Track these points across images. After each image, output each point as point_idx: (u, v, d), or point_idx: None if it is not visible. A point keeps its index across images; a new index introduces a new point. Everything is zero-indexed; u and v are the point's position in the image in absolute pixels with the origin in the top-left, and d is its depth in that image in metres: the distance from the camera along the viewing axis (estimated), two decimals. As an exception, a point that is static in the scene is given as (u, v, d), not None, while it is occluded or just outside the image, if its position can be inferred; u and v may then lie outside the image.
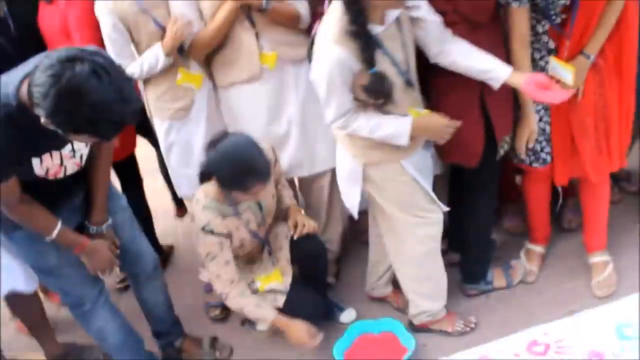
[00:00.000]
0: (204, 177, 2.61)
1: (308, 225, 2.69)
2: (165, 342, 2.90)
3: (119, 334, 2.62)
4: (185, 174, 2.98)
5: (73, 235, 2.28)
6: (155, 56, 2.72)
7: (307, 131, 2.88)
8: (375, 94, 2.21)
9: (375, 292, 3.00)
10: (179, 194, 3.18)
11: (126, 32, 2.73)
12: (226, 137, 2.50)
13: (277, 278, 2.72)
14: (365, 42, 2.13)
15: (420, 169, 2.46)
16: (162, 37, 2.72)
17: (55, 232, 2.19)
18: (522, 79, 2.26)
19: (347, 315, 2.96)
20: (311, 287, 2.82)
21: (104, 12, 2.71)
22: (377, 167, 2.44)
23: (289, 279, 2.73)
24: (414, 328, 2.80)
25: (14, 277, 2.57)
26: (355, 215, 2.62)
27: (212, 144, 2.51)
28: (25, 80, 1.84)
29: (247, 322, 3.04)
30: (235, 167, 2.42)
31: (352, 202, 2.57)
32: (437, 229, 2.58)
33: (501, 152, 2.61)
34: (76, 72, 1.66)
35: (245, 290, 2.61)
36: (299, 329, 2.58)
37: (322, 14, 2.79)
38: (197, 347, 2.93)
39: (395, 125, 2.28)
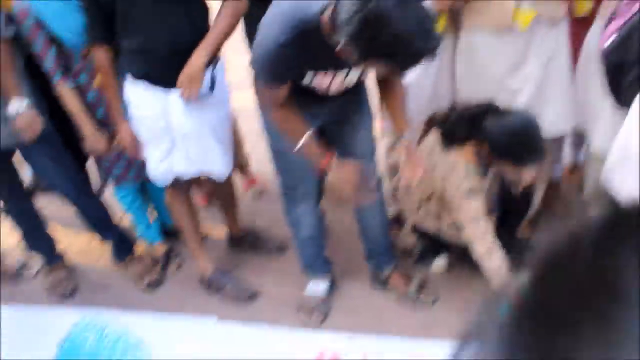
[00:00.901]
0: (459, 137, 2.60)
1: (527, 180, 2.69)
2: (374, 266, 2.95)
3: (312, 229, 2.77)
4: None
5: (315, 150, 2.30)
6: None
7: (541, 92, 2.79)
8: None
9: None
10: None
11: None
12: (511, 111, 2.50)
13: None
14: None
15: None
16: None
17: (301, 141, 2.26)
18: None
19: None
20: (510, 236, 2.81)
21: None
22: None
23: None
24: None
25: (210, 162, 2.73)
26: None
27: (490, 110, 2.50)
28: (331, 5, 1.89)
29: (420, 262, 3.08)
30: (520, 142, 2.44)
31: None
32: None
33: None
34: (382, 0, 1.68)
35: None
36: None
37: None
38: (404, 283, 2.91)
39: None
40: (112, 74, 2.55)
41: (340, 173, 2.30)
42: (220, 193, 3.19)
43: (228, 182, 3.09)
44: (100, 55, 2.52)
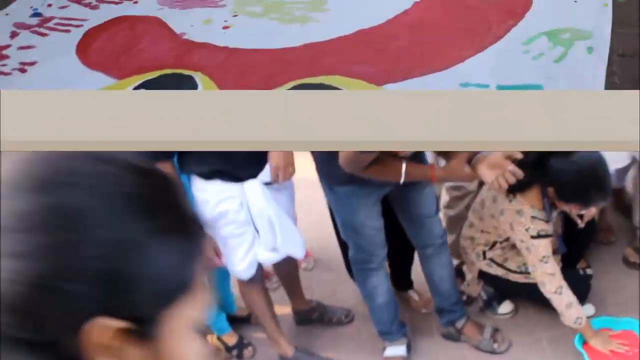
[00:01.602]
0: (524, 185, 2.63)
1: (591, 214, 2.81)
2: (447, 320, 3.01)
3: (387, 295, 2.87)
4: None
5: (419, 167, 2.42)
6: None
7: None
8: None
9: None
10: None
11: None
12: (578, 151, 2.54)
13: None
14: None
15: None
16: None
17: (403, 174, 2.36)
18: None
19: (586, 310, 2.94)
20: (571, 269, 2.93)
21: None
22: None
23: None
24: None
25: (292, 243, 2.77)
26: None
27: (553, 153, 2.55)
28: None
29: (487, 308, 3.16)
30: (589, 185, 2.51)
31: None
32: None
33: None
34: None
35: None
36: (600, 341, 2.72)
37: None
38: (477, 332, 2.97)
39: None
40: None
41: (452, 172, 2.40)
42: (282, 270, 3.22)
43: (292, 260, 3.11)
44: (166, 170, 2.51)
